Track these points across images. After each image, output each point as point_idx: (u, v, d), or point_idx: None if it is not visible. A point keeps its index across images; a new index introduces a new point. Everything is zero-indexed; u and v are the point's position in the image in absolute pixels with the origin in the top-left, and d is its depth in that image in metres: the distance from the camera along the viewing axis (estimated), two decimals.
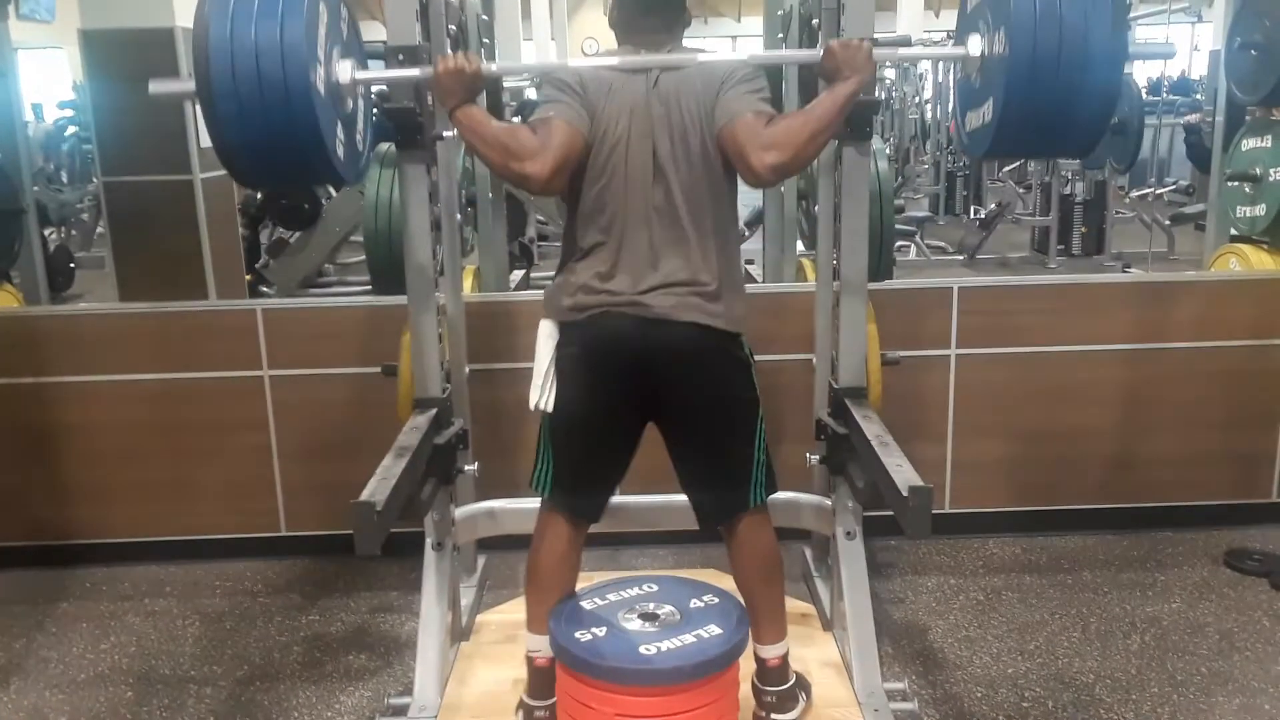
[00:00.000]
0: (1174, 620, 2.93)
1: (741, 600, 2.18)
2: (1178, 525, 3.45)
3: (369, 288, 3.97)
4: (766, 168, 1.98)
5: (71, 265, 8.01)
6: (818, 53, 2.12)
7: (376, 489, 1.96)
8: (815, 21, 3.03)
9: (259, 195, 6.61)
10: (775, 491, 2.24)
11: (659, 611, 2.07)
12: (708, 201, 2.08)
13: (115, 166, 4.01)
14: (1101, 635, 2.86)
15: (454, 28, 2.80)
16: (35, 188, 8.10)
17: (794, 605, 2.88)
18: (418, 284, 2.47)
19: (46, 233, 8.03)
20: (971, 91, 2.20)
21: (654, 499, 2.73)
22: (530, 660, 2.26)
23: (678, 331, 2.05)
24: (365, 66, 2.27)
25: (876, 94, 2.37)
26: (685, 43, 2.21)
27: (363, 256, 4.63)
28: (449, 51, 2.85)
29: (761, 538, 2.23)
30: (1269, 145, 3.74)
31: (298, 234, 7.20)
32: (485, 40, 3.49)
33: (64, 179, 9.83)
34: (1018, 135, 2.06)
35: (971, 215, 10.14)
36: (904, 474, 2.04)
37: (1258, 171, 3.75)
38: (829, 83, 2.07)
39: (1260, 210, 3.73)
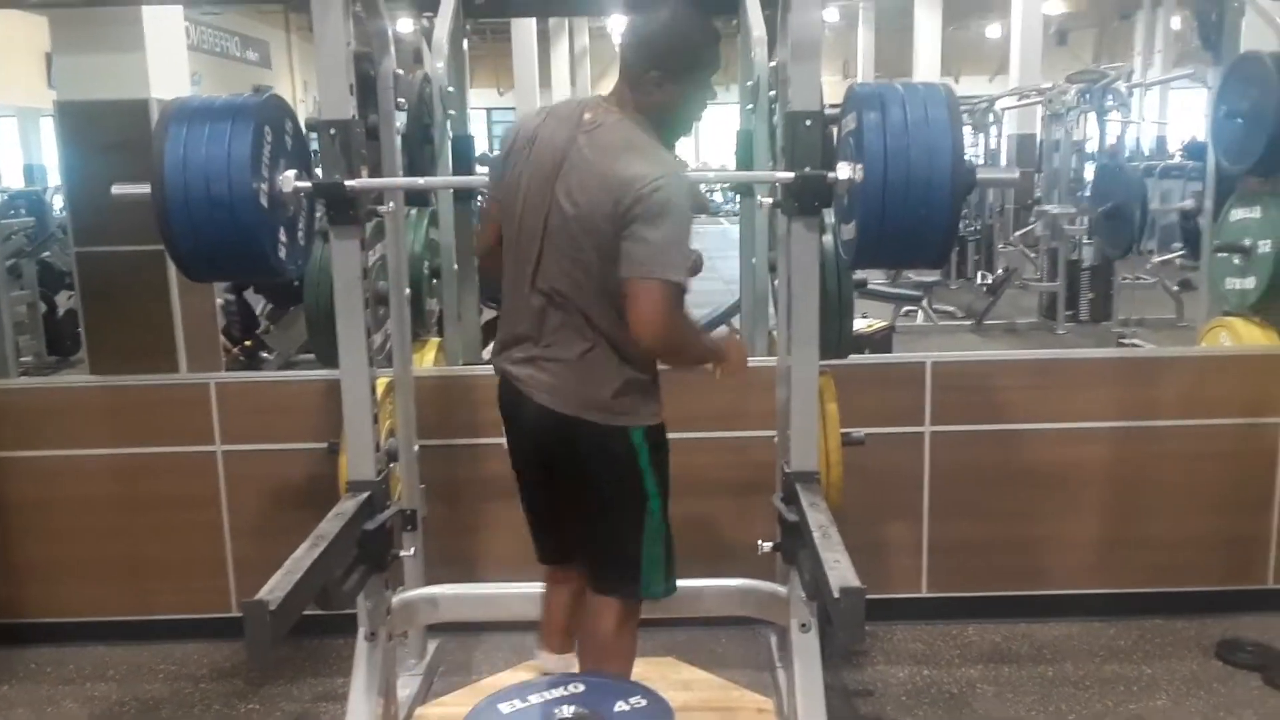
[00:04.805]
0: (1158, 719, 2.76)
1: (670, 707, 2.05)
2: (1168, 612, 3.28)
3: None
4: (648, 347, 2.04)
5: (79, 330, 8.05)
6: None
7: (276, 586, 1.87)
8: (772, 93, 2.99)
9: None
10: (653, 592, 2.24)
11: (579, 717, 1.95)
12: (579, 289, 2.06)
13: (88, 237, 4.00)
14: None
15: (403, 100, 2.76)
16: (46, 253, 8.28)
17: (750, 699, 2.77)
18: (349, 362, 2.39)
19: (65, 296, 8.12)
20: (843, 209, 2.38)
21: None
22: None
23: (531, 409, 2.14)
24: (309, 171, 2.39)
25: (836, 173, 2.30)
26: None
27: None
28: (397, 125, 2.83)
29: (600, 624, 2.26)
30: (1258, 216, 3.62)
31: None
32: (451, 112, 3.46)
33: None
34: (876, 250, 2.28)
35: (980, 280, 10.03)
36: (839, 572, 1.92)
37: (1247, 243, 3.63)
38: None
39: (1250, 283, 3.60)
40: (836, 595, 1.84)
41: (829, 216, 2.53)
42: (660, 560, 2.23)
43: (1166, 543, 3.31)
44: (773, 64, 3.11)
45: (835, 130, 2.42)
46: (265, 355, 7.34)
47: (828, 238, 2.67)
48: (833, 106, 2.40)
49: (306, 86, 20.18)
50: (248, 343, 7.34)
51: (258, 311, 7.33)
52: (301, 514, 3.16)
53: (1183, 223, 8.54)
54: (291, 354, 7.19)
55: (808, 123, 2.30)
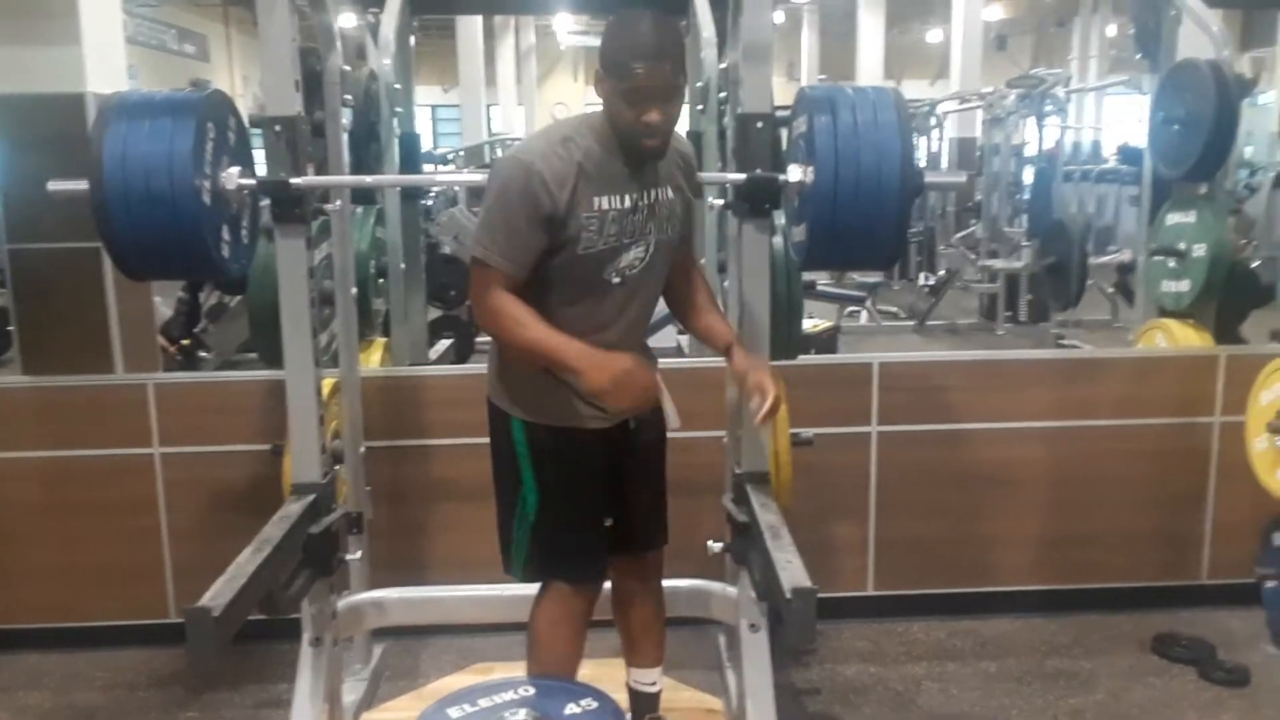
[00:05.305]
0: (1097, 713, 2.82)
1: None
2: (1107, 608, 3.35)
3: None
4: (480, 323, 2.11)
5: (9, 329, 7.81)
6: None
7: (219, 592, 1.83)
8: (722, 95, 3.00)
9: None
10: (539, 576, 2.26)
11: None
12: None
13: (21, 233, 3.87)
14: None
15: (350, 97, 2.71)
16: None
17: (699, 699, 2.77)
18: (294, 363, 2.35)
19: None
20: (793, 211, 2.39)
21: None
22: None
23: None
24: (252, 169, 2.32)
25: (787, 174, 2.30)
26: None
27: None
28: (344, 122, 2.79)
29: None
30: (1193, 220, 3.72)
31: (237, 299, 7.08)
32: (398, 110, 3.42)
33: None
34: (826, 251, 2.30)
35: (923, 281, 10.16)
36: (790, 573, 1.93)
37: (1182, 247, 3.72)
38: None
39: (1184, 286, 3.70)
40: (788, 595, 1.85)
41: (779, 218, 2.55)
42: (524, 546, 2.23)
43: (1104, 540, 3.38)
44: (723, 65, 3.12)
45: (785, 132, 2.43)
46: (203, 354, 7.20)
47: (778, 239, 2.69)
48: (781, 109, 2.41)
49: (246, 81, 19.81)
50: (185, 341, 7.20)
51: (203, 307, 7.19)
52: (243, 518, 3.10)
53: (1120, 275, 8.55)
54: (230, 353, 7.07)
55: (759, 125, 2.32)
